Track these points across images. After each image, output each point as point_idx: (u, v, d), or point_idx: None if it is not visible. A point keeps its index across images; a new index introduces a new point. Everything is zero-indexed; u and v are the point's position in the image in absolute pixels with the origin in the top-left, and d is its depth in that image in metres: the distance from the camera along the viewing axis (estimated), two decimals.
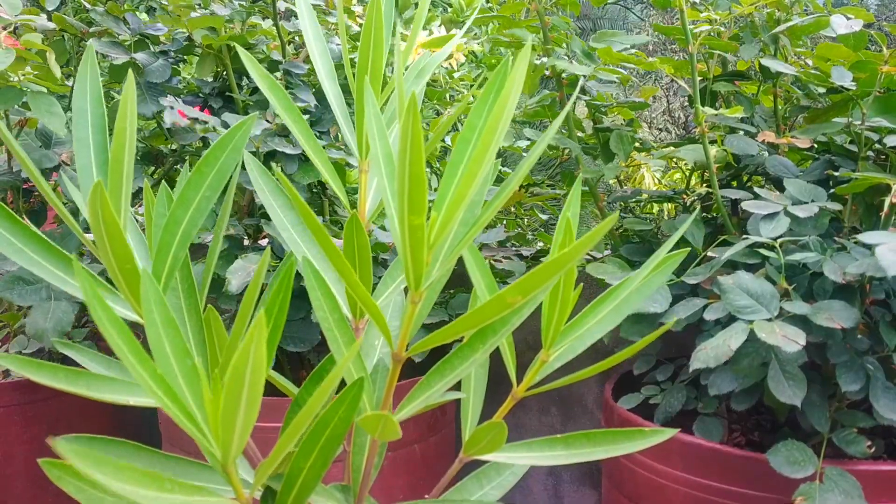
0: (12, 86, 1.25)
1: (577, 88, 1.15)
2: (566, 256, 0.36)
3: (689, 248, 0.65)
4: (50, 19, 1.33)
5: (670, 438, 0.99)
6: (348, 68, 0.61)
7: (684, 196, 1.27)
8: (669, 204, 1.57)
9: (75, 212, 1.45)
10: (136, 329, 0.46)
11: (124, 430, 1.50)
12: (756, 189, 1.04)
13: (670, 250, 0.58)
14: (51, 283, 0.49)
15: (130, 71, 0.43)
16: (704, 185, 1.23)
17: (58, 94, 1.36)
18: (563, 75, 1.19)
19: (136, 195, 1.23)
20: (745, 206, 1.00)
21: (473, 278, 0.55)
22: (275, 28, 1.37)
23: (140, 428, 1.54)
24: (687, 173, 1.33)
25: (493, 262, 1.25)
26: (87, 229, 0.50)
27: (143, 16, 1.57)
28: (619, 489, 1.12)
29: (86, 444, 0.48)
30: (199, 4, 1.34)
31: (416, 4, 1.67)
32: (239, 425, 0.32)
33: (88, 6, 1.38)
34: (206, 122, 1.18)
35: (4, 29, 1.29)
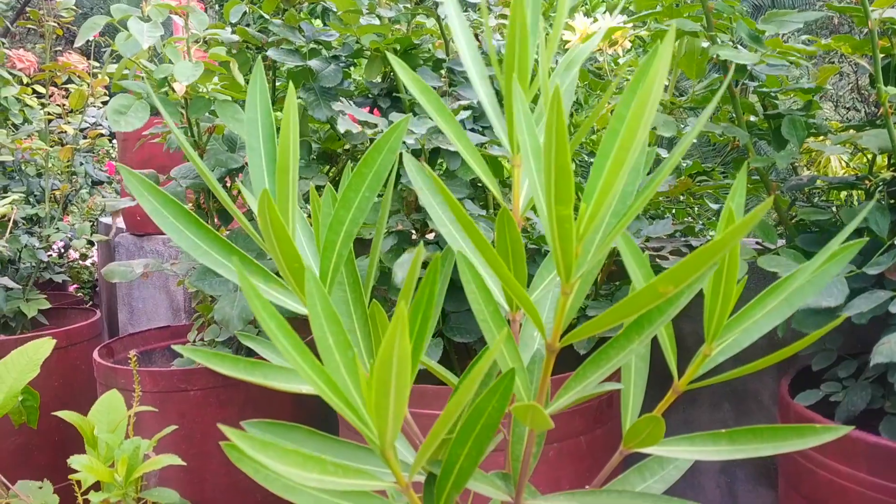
0: (202, 96, 1.36)
1: (745, 74, 1.10)
2: (719, 244, 0.35)
3: (869, 238, 0.61)
4: (234, 32, 1.43)
5: (855, 439, 0.93)
6: (496, 65, 0.63)
7: (867, 181, 1.18)
8: (858, 191, 1.46)
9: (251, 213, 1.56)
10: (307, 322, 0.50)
11: (304, 415, 1.59)
12: None
13: (846, 239, 0.55)
14: (233, 281, 0.53)
15: (291, 84, 0.46)
16: (891, 169, 1.14)
17: (242, 101, 1.47)
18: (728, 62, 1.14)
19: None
20: None
21: (629, 268, 0.55)
22: (438, 27, 1.41)
23: (319, 411, 1.63)
24: (870, 157, 1.24)
25: (658, 258, 1.22)
26: None
27: (318, 22, 1.65)
28: (796, 490, 1.07)
29: (267, 429, 0.52)
30: (367, 10, 1.40)
31: None
32: (391, 409, 0.34)
33: (267, 16, 1.47)
34: (374, 126, 1.23)
35: (196, 43, 1.40)
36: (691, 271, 0.36)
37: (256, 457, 0.34)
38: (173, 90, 1.32)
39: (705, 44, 1.15)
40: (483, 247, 0.39)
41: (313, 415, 1.62)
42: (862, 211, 0.58)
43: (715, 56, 1.09)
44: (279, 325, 0.35)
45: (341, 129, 1.19)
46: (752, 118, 1.25)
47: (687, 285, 0.38)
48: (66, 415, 1.20)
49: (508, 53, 0.49)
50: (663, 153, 1.46)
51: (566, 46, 1.36)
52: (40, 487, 1.23)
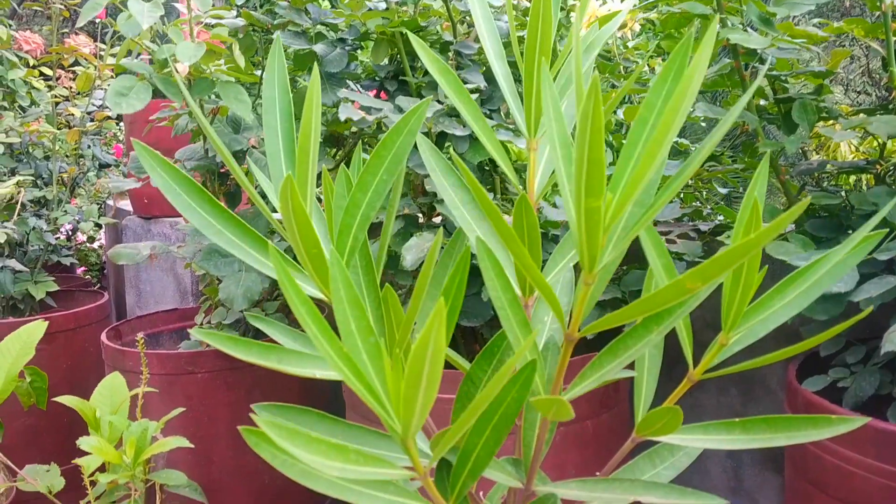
0: (205, 77, 1.35)
1: (756, 59, 1.09)
2: (750, 244, 0.35)
3: (885, 226, 0.61)
4: (239, 15, 1.42)
5: (863, 425, 0.93)
6: (515, 46, 0.62)
7: (877, 166, 1.17)
8: (867, 175, 1.45)
9: (263, 193, 1.55)
10: (319, 304, 0.49)
11: (311, 397, 1.60)
12: None
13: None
14: (245, 261, 0.53)
15: (316, 65, 0.46)
16: None
17: (247, 83, 1.46)
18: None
19: (319, 176, 1.30)
20: None
21: (650, 259, 0.54)
22: (445, 9, 1.40)
23: (325, 395, 1.63)
24: (881, 141, 1.23)
25: (666, 241, 1.22)
26: (274, 210, 0.54)
27: (325, 3, 1.64)
28: (803, 475, 1.07)
29: (278, 412, 0.52)
30: None
31: None
32: (419, 404, 0.34)
33: None
34: (380, 110, 1.22)
35: (199, 23, 1.39)
36: (722, 268, 0.36)
37: (284, 445, 0.34)
38: (176, 71, 1.31)
39: (717, 27, 1.13)
40: (507, 235, 0.39)
41: (320, 397, 1.62)
42: (889, 203, 0.58)
43: (725, 40, 1.07)
44: (309, 310, 0.35)
45: (342, 116, 1.18)
46: (762, 102, 1.24)
47: (714, 281, 0.38)
48: (67, 399, 1.20)
49: (530, 34, 0.48)
50: None
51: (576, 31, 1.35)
52: (47, 470, 1.24)
